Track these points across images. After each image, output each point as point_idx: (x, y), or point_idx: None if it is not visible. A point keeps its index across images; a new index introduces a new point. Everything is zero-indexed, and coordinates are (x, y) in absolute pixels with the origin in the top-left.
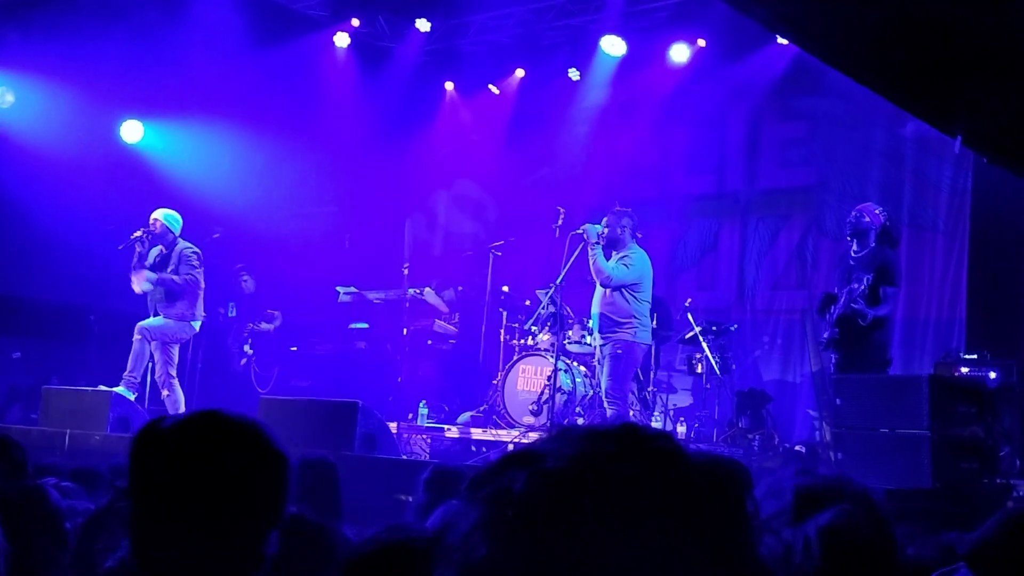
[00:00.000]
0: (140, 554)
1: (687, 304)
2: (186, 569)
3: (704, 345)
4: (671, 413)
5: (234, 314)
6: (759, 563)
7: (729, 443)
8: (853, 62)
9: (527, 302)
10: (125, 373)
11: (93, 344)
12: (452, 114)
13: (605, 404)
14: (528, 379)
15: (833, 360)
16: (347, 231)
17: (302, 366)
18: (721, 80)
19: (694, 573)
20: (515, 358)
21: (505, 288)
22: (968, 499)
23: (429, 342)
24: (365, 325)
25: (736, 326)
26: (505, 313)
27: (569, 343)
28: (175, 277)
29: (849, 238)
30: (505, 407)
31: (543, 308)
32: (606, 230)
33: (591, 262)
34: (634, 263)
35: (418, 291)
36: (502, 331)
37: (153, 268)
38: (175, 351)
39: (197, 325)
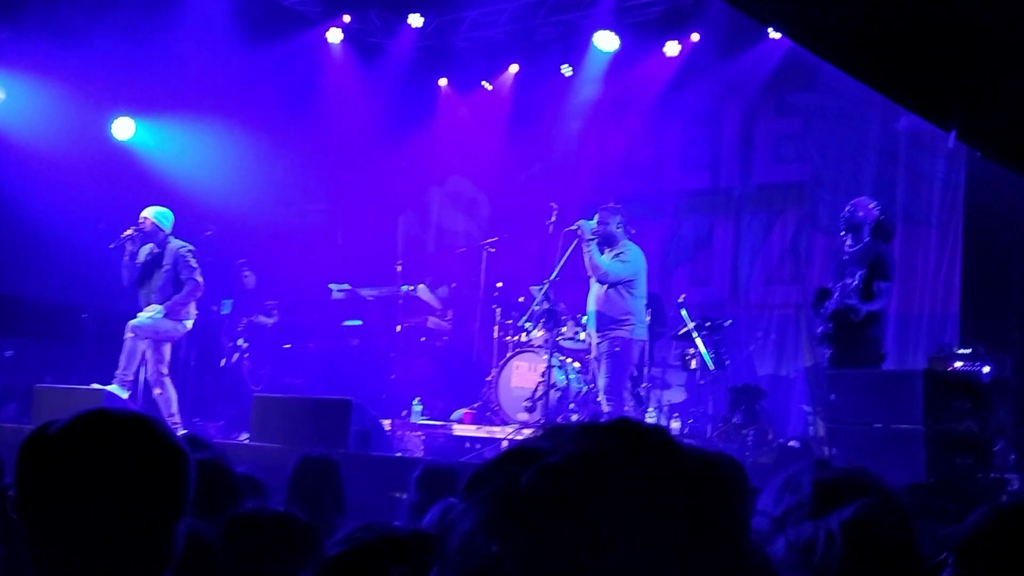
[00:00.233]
0: (36, 564)
1: (681, 300)
2: (86, 573)
3: (698, 341)
4: (665, 409)
5: (227, 312)
6: (753, 553)
7: (723, 439)
8: (847, 57)
9: (521, 299)
10: (118, 371)
11: (86, 343)
12: (445, 110)
13: (602, 401)
14: (522, 375)
15: (827, 355)
16: (340, 228)
17: (295, 363)
18: (714, 75)
19: (690, 564)
20: (509, 355)
21: (499, 285)
22: (963, 494)
23: (423, 339)
24: (359, 322)
25: (730, 321)
26: (499, 310)
27: (563, 339)
28: (171, 302)
29: (843, 233)
30: (499, 404)
31: (537, 304)
32: (601, 228)
33: (586, 259)
34: (630, 259)
35: (411, 288)
36: (496, 328)
37: (145, 266)
38: (167, 349)
39: (189, 324)
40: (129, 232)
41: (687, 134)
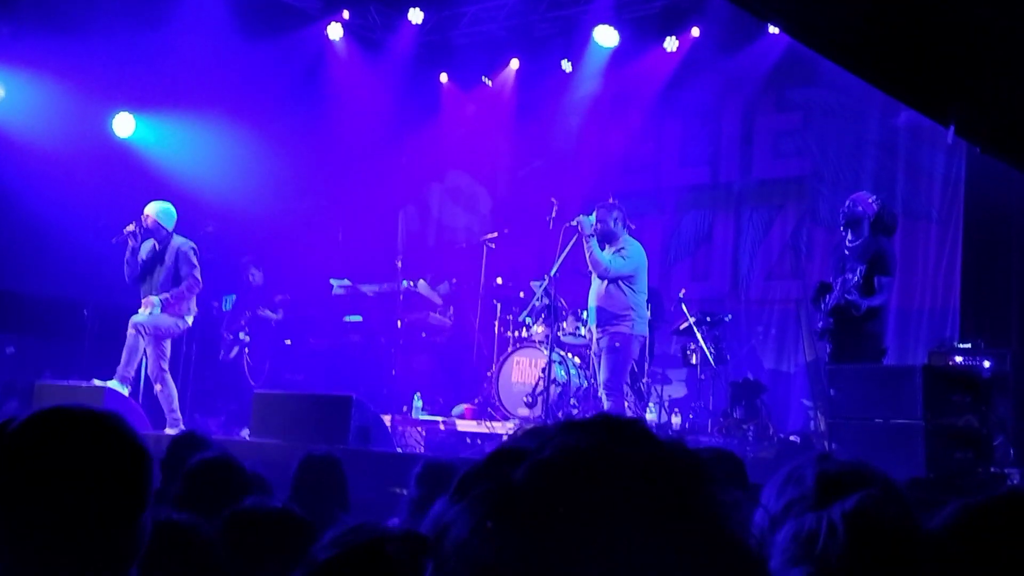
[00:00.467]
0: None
1: (681, 295)
2: (47, 572)
3: (698, 336)
4: (666, 404)
5: (229, 308)
6: (732, 534)
7: (724, 434)
8: (845, 52)
9: (521, 294)
10: (119, 367)
11: (87, 339)
12: (445, 106)
13: (602, 396)
14: (522, 371)
15: (828, 350)
16: (340, 224)
17: (296, 359)
18: (714, 71)
19: (676, 550)
20: (509, 350)
21: (499, 280)
22: (963, 489)
23: (423, 335)
24: (359, 318)
25: (730, 316)
26: (499, 305)
27: (563, 335)
28: (168, 295)
29: (843, 228)
30: (499, 399)
31: (537, 300)
32: (600, 224)
33: (587, 254)
34: (630, 255)
35: (412, 284)
36: (496, 323)
37: (147, 262)
38: (167, 345)
39: (190, 320)
40: (131, 228)
41: (687, 129)
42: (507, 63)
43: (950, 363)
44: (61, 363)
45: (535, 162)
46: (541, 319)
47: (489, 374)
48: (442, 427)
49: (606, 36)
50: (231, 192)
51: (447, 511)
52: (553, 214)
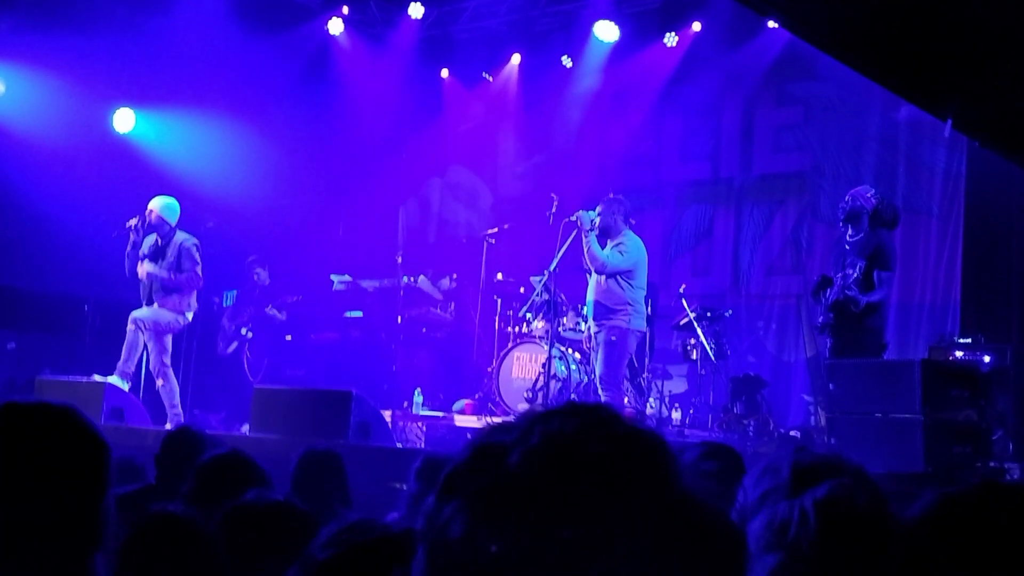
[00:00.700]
0: None
1: (681, 290)
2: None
3: (699, 331)
4: (666, 399)
5: (230, 303)
6: (689, 499)
7: (724, 429)
8: (843, 47)
9: (521, 289)
10: (119, 363)
11: (87, 334)
12: (446, 101)
13: (599, 391)
14: (523, 366)
15: (828, 345)
16: (341, 219)
17: (296, 355)
18: (715, 66)
19: (644, 518)
20: (510, 345)
21: (499, 275)
22: (961, 483)
23: (424, 330)
24: (359, 313)
25: (731, 312)
26: (499, 300)
27: (564, 330)
28: (171, 274)
29: (842, 223)
30: (500, 394)
31: (537, 295)
32: (602, 218)
33: (585, 249)
34: (629, 250)
35: (412, 279)
36: (496, 318)
37: (148, 257)
38: (169, 341)
39: (190, 315)
40: (134, 222)
41: (687, 124)
42: (508, 58)
43: (950, 357)
44: (62, 359)
45: (535, 157)
46: (541, 314)
47: (490, 369)
48: (442, 422)
49: (606, 31)
50: (231, 188)
51: (441, 509)
52: (553, 209)
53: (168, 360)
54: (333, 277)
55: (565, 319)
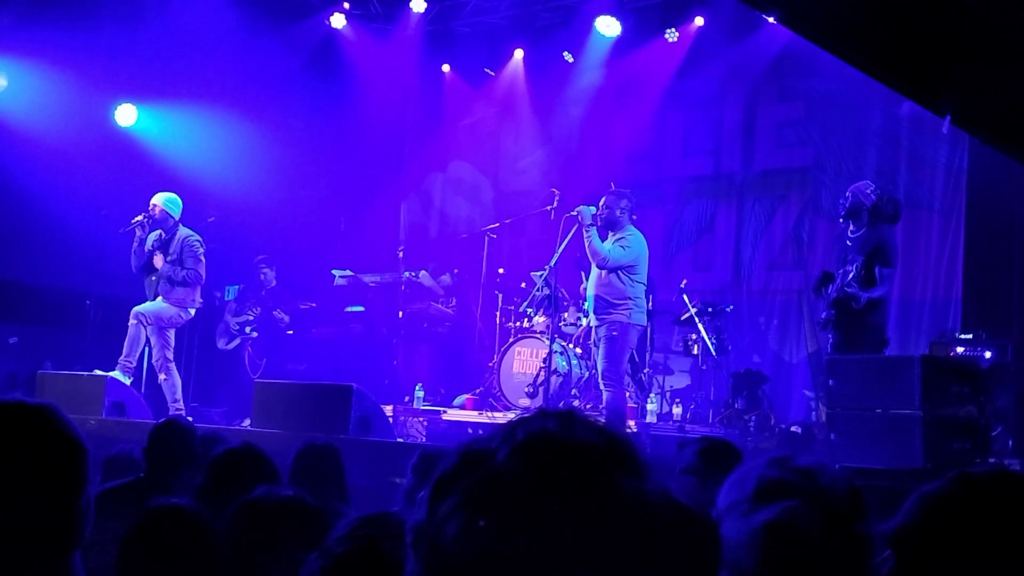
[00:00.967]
0: None
1: (683, 285)
2: None
3: (700, 326)
4: (667, 394)
5: (231, 298)
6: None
7: (725, 424)
8: (842, 43)
9: (523, 284)
10: (121, 358)
11: (89, 329)
12: (447, 96)
13: (601, 386)
14: (524, 361)
15: (830, 341)
16: (342, 214)
17: (297, 349)
18: (716, 61)
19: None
20: (511, 340)
21: (501, 270)
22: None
23: (425, 325)
24: (361, 308)
25: (732, 307)
26: (501, 295)
27: (565, 325)
28: (178, 268)
29: (843, 219)
30: (501, 389)
31: (538, 290)
32: (606, 211)
33: (586, 244)
34: (630, 245)
35: (413, 274)
36: (498, 313)
37: (152, 253)
38: (171, 335)
39: (192, 311)
40: (140, 218)
41: (689, 119)
42: (509, 53)
43: (951, 353)
44: (64, 353)
45: (537, 153)
46: (542, 310)
47: (491, 364)
48: (443, 418)
49: (608, 26)
50: (233, 182)
51: (435, 511)
52: (555, 204)
53: (171, 355)
54: (335, 272)
55: (566, 314)
